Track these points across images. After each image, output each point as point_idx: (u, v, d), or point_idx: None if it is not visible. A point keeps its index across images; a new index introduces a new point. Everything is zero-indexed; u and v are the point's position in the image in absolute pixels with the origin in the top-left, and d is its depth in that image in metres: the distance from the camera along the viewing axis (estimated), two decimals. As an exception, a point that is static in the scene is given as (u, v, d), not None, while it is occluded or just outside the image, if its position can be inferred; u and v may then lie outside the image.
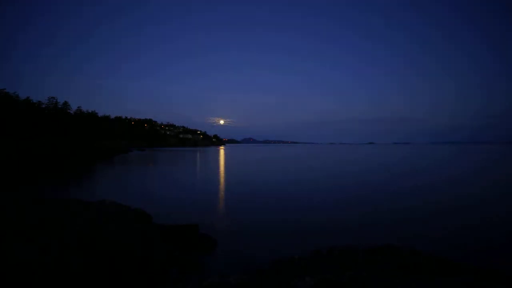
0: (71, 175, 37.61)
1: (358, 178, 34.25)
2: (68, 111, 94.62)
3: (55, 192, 23.51)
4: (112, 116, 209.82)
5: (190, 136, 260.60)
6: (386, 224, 14.99)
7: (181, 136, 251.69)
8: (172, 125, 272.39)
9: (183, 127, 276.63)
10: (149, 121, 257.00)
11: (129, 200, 19.28)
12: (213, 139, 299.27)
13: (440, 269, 7.38)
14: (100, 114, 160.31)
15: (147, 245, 9.39)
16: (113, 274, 8.00)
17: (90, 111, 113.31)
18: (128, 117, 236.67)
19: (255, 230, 13.87)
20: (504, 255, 11.07)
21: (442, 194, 23.49)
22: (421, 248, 8.29)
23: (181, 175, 37.99)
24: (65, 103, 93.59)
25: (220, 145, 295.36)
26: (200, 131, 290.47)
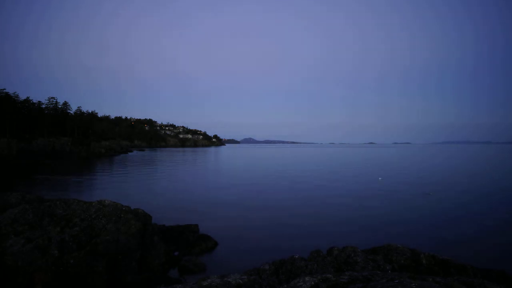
0: (71, 175, 37.59)
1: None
2: (68, 111, 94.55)
3: (55, 191, 23.51)
4: (112, 116, 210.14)
5: (190, 136, 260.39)
6: (386, 224, 14.99)
7: (181, 136, 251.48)
8: (172, 125, 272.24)
9: (183, 127, 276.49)
10: (149, 121, 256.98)
11: (129, 200, 19.27)
12: (213, 139, 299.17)
13: (440, 269, 7.37)
14: (100, 114, 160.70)
15: (147, 245, 9.38)
16: (113, 274, 8.00)
17: (90, 111, 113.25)
18: (128, 117, 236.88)
19: (255, 230, 13.87)
20: (504, 254, 11.07)
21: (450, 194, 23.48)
22: (421, 248, 8.27)
23: (181, 176, 37.99)
24: (65, 103, 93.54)
25: (220, 145, 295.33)
26: (200, 131, 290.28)
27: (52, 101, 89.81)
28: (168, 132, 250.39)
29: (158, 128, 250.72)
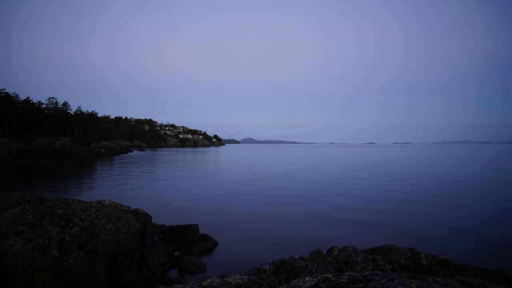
0: (71, 175, 37.61)
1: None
2: (68, 111, 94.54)
3: (55, 191, 23.51)
4: (112, 116, 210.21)
5: (190, 136, 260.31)
6: (386, 224, 14.99)
7: (181, 136, 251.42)
8: (172, 125, 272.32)
9: (183, 127, 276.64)
10: (149, 121, 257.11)
11: (129, 200, 19.28)
12: (213, 139, 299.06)
13: (440, 269, 7.37)
14: (100, 114, 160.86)
15: (147, 245, 9.38)
16: (113, 274, 8.00)
17: (90, 111, 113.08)
18: (128, 117, 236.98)
19: (255, 230, 13.86)
20: (504, 254, 11.07)
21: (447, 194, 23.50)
22: (421, 248, 8.28)
23: (181, 176, 37.99)
24: (65, 103, 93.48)
25: (220, 145, 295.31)
26: (200, 131, 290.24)
27: (52, 101, 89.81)
28: (168, 132, 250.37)
29: (158, 128, 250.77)
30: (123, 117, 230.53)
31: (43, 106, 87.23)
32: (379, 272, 5.07)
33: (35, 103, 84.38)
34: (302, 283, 4.42)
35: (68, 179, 32.82)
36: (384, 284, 3.89)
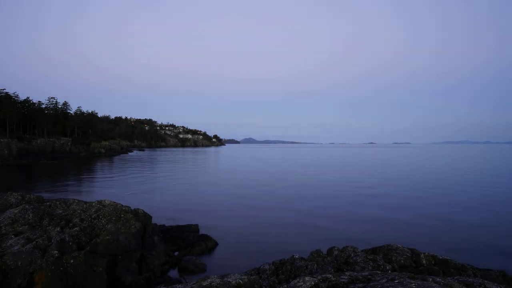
0: (71, 175, 37.60)
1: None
2: (68, 111, 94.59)
3: (55, 191, 23.51)
4: (112, 116, 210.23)
5: (190, 136, 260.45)
6: (386, 224, 14.99)
7: (181, 136, 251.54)
8: (172, 125, 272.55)
9: (183, 127, 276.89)
10: (149, 121, 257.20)
11: (129, 200, 19.29)
12: (213, 139, 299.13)
13: (440, 269, 7.37)
14: (100, 114, 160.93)
15: (147, 245, 9.39)
16: (113, 274, 8.00)
17: (90, 111, 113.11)
18: (128, 117, 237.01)
19: (255, 230, 13.86)
20: (504, 254, 11.07)
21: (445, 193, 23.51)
22: (421, 248, 8.29)
23: (181, 176, 37.99)
24: (65, 103, 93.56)
25: (220, 145, 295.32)
26: (200, 131, 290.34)
27: (52, 101, 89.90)
28: (168, 132, 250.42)
29: (158, 128, 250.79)
30: (123, 117, 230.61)
31: (43, 106, 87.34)
32: (379, 272, 5.08)
33: (35, 103, 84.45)
34: (302, 283, 4.42)
35: (68, 179, 32.81)
36: (384, 284, 3.90)
